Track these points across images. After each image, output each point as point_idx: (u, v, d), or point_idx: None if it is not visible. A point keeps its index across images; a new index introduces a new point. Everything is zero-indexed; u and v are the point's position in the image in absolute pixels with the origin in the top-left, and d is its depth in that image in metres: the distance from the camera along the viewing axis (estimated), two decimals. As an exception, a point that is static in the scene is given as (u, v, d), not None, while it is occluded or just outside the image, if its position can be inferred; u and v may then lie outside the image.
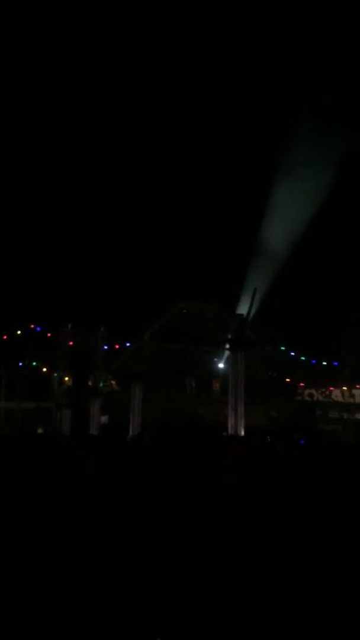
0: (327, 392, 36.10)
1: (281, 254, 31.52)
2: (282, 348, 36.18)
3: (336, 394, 35.65)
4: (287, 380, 36.85)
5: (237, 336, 18.15)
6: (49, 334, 39.26)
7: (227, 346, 20.28)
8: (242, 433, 17.68)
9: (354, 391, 35.08)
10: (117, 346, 37.88)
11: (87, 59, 40.39)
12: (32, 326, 40.43)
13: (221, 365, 35.75)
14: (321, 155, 28.58)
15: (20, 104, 41.38)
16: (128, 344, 37.35)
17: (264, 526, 2.85)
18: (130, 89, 42.15)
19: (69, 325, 35.90)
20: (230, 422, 18.07)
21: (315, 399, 36.03)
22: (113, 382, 36.97)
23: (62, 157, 43.28)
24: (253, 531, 2.80)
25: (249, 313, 17.36)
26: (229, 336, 19.43)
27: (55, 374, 37.52)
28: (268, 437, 19.17)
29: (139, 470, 3.98)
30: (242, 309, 23.77)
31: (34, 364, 39.54)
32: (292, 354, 36.88)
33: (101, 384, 34.22)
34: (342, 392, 35.11)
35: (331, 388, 35.87)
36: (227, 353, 33.41)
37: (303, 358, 36.82)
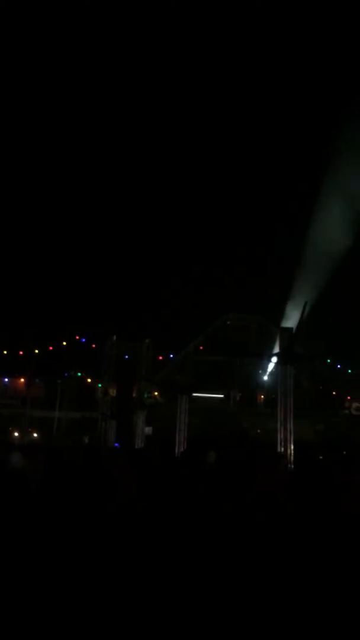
0: (376, 407, 35.20)
1: (327, 266, 30.97)
2: (328, 360, 35.56)
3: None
4: (334, 393, 36.16)
5: (286, 350, 17.86)
6: (93, 345, 39.69)
7: (275, 360, 20.02)
8: (292, 448, 17.41)
9: None
10: (160, 357, 37.98)
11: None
12: (77, 337, 40.94)
13: (265, 378, 35.41)
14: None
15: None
16: (172, 356, 37.40)
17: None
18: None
19: (114, 337, 36.23)
20: (280, 436, 17.80)
21: (362, 413, 35.19)
22: (156, 393, 37.08)
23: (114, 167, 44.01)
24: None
25: (298, 327, 17.03)
26: (278, 350, 19.16)
27: (100, 385, 37.86)
28: (320, 456, 18.81)
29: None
30: (288, 322, 23.42)
31: (79, 374, 39.98)
32: (339, 366, 36.20)
33: (145, 395, 34.33)
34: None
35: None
36: (271, 365, 33.16)
37: (350, 371, 36.08)
